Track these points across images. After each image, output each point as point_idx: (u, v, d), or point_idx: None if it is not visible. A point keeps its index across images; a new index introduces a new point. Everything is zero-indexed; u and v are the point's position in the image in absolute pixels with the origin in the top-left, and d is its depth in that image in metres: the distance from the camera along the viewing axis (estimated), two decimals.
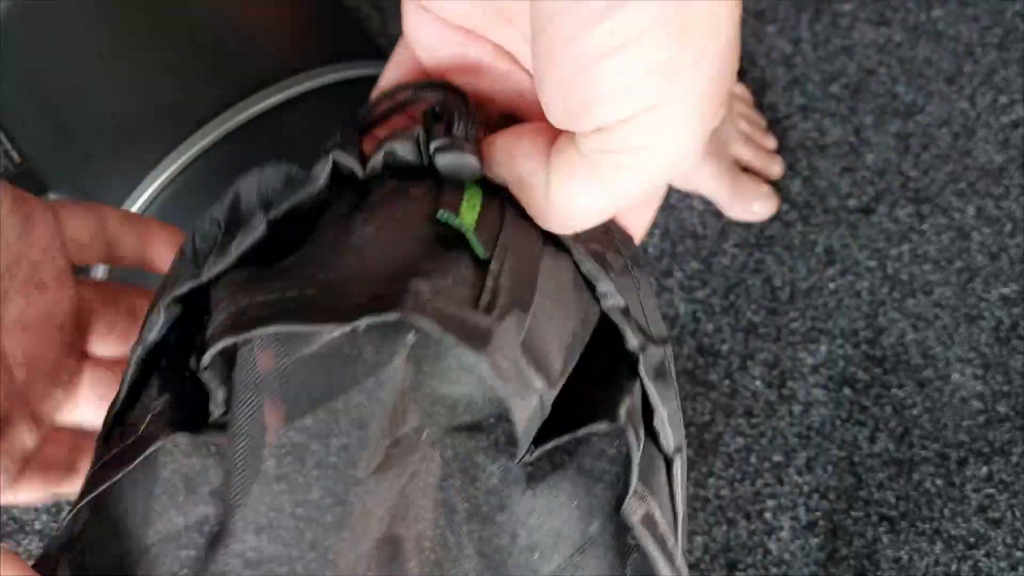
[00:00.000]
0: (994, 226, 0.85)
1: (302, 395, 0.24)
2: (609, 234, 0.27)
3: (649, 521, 0.24)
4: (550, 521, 0.26)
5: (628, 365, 0.26)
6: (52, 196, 0.55)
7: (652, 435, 0.26)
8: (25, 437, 0.31)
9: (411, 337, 0.24)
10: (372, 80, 0.53)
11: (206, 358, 0.23)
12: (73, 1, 0.55)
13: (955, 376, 0.80)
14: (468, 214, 0.25)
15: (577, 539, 0.26)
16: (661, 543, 0.25)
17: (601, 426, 0.24)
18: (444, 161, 0.26)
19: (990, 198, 0.86)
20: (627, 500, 0.24)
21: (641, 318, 0.27)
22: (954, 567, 0.75)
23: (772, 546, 0.74)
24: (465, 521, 0.26)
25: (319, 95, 0.51)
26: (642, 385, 0.26)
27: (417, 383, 0.25)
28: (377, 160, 0.26)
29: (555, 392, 0.24)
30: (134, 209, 0.50)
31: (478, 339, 0.21)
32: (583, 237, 0.26)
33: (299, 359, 0.24)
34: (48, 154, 0.56)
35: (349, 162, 0.26)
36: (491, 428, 0.26)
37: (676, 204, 0.83)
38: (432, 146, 0.26)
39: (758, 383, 0.79)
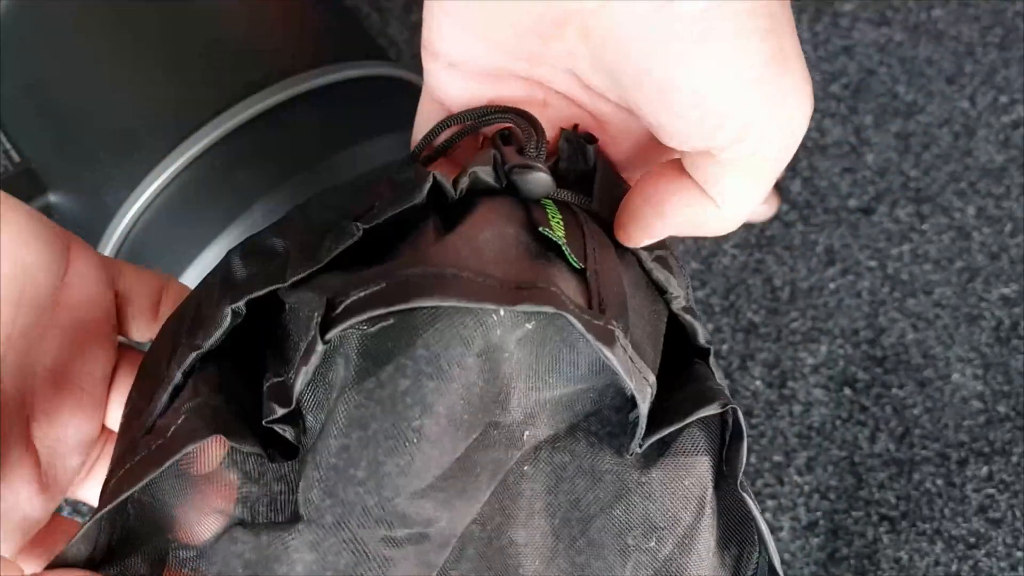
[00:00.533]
0: (995, 226, 0.85)
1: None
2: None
3: (751, 492, 0.27)
4: (665, 504, 0.28)
5: (693, 353, 0.28)
6: (51, 196, 0.55)
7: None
8: (26, 504, 0.27)
9: (530, 326, 0.26)
10: (372, 80, 0.53)
11: (336, 331, 0.23)
12: (73, 1, 0.55)
13: (955, 376, 0.80)
14: (558, 230, 0.27)
15: (689, 519, 0.28)
16: (759, 508, 0.27)
17: (713, 408, 0.26)
18: (521, 180, 0.28)
19: (991, 198, 0.86)
20: (740, 474, 0.27)
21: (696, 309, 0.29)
22: (954, 567, 0.75)
23: None
24: (578, 522, 0.28)
25: (320, 95, 0.51)
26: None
27: (519, 379, 0.26)
28: (464, 182, 0.28)
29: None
30: (135, 209, 0.50)
31: (607, 338, 0.24)
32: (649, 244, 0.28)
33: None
34: (47, 153, 0.56)
35: (445, 183, 0.27)
36: (588, 427, 0.28)
37: None
38: (508, 166, 0.28)
39: (758, 383, 0.79)
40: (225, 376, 0.26)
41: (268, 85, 0.50)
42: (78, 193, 0.54)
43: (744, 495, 0.27)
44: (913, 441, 0.78)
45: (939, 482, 0.77)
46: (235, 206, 0.48)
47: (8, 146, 0.56)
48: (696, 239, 0.82)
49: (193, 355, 0.25)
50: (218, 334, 0.25)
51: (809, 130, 0.87)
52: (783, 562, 0.74)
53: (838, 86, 0.89)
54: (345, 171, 0.49)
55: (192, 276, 0.48)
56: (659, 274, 0.29)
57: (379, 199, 0.27)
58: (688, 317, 0.29)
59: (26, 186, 0.55)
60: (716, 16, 0.22)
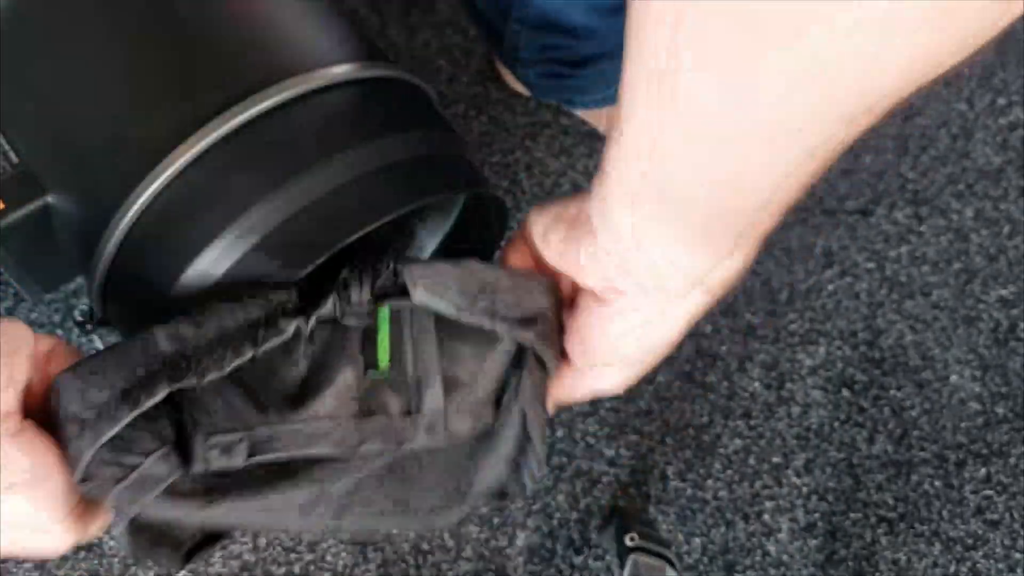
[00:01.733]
0: (992, 228, 0.86)
1: None
2: None
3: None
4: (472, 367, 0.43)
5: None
6: (49, 198, 0.56)
7: None
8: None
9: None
10: (372, 82, 0.53)
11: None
12: (71, 2, 0.55)
13: (953, 378, 0.81)
14: (383, 355, 0.42)
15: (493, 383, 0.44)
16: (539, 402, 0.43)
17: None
18: (350, 323, 0.42)
19: (988, 200, 0.87)
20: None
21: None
22: (952, 568, 0.75)
23: (771, 547, 0.75)
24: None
25: (318, 96, 0.51)
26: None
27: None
28: (312, 324, 0.42)
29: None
30: (133, 211, 0.50)
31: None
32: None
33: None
34: (45, 155, 0.56)
35: (301, 326, 0.42)
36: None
37: None
38: (338, 314, 0.42)
39: (757, 384, 0.79)
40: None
41: (266, 87, 0.50)
42: (76, 195, 0.55)
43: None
44: (911, 443, 0.78)
45: (937, 484, 0.77)
46: (233, 208, 0.48)
47: (6, 147, 0.57)
48: None
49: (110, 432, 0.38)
50: (122, 423, 0.38)
51: None
52: (781, 563, 0.74)
53: None
54: (344, 172, 0.49)
55: (191, 277, 0.49)
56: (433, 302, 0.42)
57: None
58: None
59: (24, 188, 0.55)
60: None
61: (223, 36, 0.53)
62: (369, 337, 0.42)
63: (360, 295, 0.41)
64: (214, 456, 0.40)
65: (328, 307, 0.42)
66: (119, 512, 0.39)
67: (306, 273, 0.44)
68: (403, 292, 0.42)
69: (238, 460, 0.40)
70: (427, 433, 0.42)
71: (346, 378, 0.41)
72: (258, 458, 0.40)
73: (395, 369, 0.42)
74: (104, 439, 0.37)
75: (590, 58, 0.74)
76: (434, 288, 0.41)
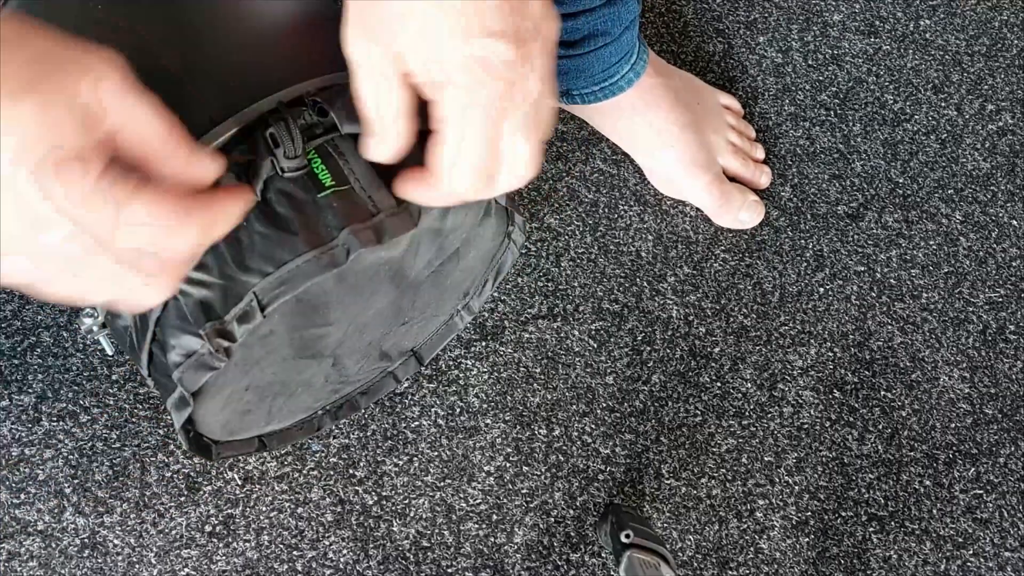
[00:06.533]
0: (981, 232, 0.87)
1: None
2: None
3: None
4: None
5: None
6: None
7: None
8: None
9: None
10: None
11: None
12: (75, 5, 0.55)
13: (943, 379, 0.81)
14: (325, 179, 0.48)
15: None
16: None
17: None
18: (290, 174, 0.48)
19: (977, 204, 0.88)
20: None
21: None
22: (943, 567, 0.76)
23: (763, 545, 0.75)
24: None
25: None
26: None
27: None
28: (259, 186, 0.48)
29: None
30: None
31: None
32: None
33: None
34: None
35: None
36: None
37: (669, 210, 0.85)
38: (278, 170, 0.47)
39: (749, 385, 0.80)
40: None
41: (270, 93, 0.50)
42: None
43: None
44: (901, 442, 0.79)
45: (927, 483, 0.78)
46: None
47: None
48: (688, 245, 0.83)
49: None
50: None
51: (798, 138, 0.88)
52: (773, 560, 0.75)
53: (827, 95, 0.91)
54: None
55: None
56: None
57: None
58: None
59: None
60: None
61: (228, 45, 0.54)
62: (308, 174, 0.47)
63: (294, 146, 0.46)
64: (239, 329, 0.47)
65: (268, 167, 0.46)
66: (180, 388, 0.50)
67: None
68: (325, 131, 0.48)
69: (258, 317, 0.47)
70: (400, 222, 0.48)
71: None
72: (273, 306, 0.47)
73: (342, 186, 0.47)
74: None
75: (587, 36, 0.75)
76: (353, 115, 0.46)
